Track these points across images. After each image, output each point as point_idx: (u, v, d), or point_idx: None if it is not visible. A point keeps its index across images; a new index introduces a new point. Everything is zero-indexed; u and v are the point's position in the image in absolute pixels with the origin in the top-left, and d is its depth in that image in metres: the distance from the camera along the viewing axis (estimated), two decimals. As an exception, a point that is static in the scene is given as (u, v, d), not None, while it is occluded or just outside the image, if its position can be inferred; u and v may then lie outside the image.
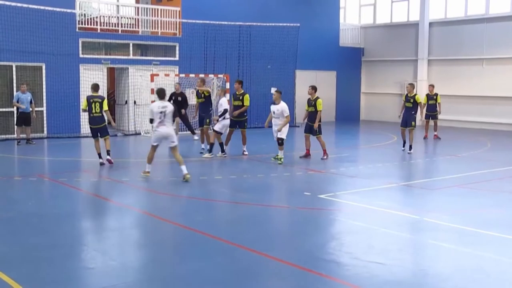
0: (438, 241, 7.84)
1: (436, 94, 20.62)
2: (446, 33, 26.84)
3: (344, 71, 29.10)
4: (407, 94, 17.32)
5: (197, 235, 8.12)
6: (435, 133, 20.67)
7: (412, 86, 17.40)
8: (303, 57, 26.30)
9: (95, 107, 13.90)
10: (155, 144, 12.09)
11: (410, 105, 17.04)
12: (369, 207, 10.01)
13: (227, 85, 22.23)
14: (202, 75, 20.62)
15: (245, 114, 15.79)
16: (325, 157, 15.20)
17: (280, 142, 14.51)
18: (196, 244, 7.78)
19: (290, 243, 7.88)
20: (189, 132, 18.94)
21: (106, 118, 14.21)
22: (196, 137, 18.40)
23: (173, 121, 11.57)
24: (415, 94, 17.30)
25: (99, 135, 14.03)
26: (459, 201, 10.68)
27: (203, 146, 16.34)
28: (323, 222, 9.16)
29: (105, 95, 22.14)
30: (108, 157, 14.09)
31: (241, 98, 15.67)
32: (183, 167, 11.80)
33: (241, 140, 15.79)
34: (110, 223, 9.05)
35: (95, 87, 14.23)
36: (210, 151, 15.42)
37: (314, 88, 15.51)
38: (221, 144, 15.51)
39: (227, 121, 15.45)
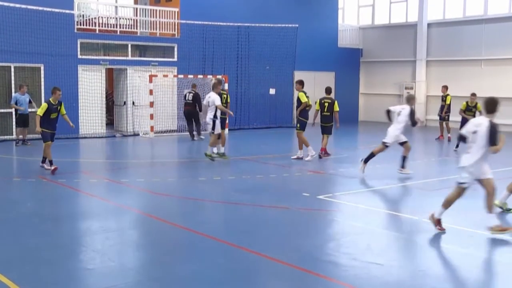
0: (437, 242, 7.85)
1: (447, 95, 20.54)
2: (445, 34, 26.86)
3: (342, 72, 29.09)
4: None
5: (196, 236, 8.13)
6: (449, 134, 20.33)
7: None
8: (302, 57, 26.30)
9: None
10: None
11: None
12: (368, 208, 10.02)
13: (226, 86, 22.28)
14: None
15: (301, 115, 15.33)
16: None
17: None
18: (195, 245, 7.78)
19: (289, 244, 7.88)
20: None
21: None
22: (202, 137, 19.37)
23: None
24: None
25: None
26: (458, 202, 10.66)
27: (216, 150, 15.55)
28: (322, 223, 9.17)
29: (104, 96, 22.22)
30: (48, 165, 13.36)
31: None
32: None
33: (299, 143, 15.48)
34: (109, 224, 9.04)
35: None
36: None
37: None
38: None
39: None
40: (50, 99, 13.33)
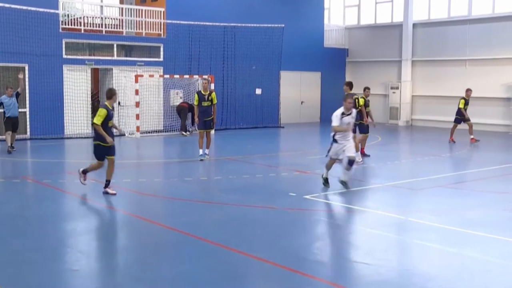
0: (424, 241, 7.89)
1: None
2: (430, 34, 27.03)
3: (328, 72, 29.17)
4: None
5: (183, 237, 8.10)
6: (472, 136, 20.00)
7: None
8: (288, 57, 26.34)
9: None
10: None
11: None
12: (355, 207, 10.04)
13: (212, 86, 22.24)
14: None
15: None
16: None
17: None
18: (182, 245, 7.75)
19: (276, 243, 7.88)
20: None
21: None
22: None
23: None
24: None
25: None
26: (443, 201, 10.74)
27: (201, 152, 15.19)
28: (309, 222, 9.17)
29: (89, 96, 22.06)
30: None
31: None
32: None
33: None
34: (95, 224, 8.98)
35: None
36: None
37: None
38: None
39: None
40: (107, 103, 10.76)
